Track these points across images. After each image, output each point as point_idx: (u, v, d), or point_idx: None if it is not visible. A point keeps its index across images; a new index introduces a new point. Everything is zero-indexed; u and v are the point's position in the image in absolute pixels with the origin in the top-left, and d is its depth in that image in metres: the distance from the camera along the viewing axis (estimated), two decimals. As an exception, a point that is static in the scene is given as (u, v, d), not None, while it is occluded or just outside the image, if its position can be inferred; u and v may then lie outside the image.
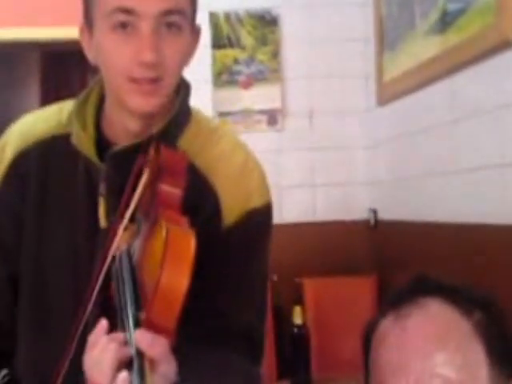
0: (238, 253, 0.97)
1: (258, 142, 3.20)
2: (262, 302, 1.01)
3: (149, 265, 0.80)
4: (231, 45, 3.20)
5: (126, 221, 0.86)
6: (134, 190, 0.88)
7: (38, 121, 1.07)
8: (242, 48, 3.21)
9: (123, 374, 0.71)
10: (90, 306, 0.84)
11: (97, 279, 0.84)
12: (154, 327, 0.75)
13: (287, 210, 3.20)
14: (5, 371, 0.85)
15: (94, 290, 0.84)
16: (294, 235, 3.09)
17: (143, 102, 0.93)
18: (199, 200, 0.96)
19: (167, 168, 0.89)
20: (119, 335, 0.76)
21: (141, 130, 0.97)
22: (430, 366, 0.76)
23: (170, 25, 0.93)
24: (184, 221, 0.83)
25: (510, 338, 0.82)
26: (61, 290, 0.95)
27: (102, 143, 1.00)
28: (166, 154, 0.91)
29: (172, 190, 0.87)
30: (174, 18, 0.93)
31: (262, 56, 3.21)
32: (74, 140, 1.00)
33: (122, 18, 0.92)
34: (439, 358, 0.77)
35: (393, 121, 2.91)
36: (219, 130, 1.07)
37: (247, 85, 3.20)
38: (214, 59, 3.18)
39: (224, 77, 3.20)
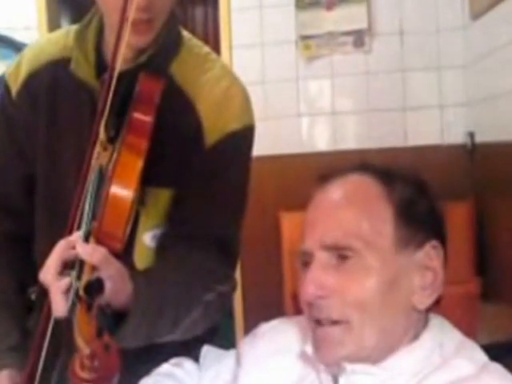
0: (217, 169, 1.08)
1: (344, 65, 3.10)
2: (236, 214, 1.13)
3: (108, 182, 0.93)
4: (314, -36, 3.04)
5: (98, 140, 0.96)
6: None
7: (48, 44, 1.18)
8: (325, -34, 3.04)
9: (66, 279, 0.84)
10: (77, 215, 0.95)
11: (80, 194, 0.95)
12: (103, 233, 0.90)
13: (376, 135, 3.08)
14: (33, 288, 0.93)
15: (79, 201, 0.94)
16: (384, 161, 2.97)
17: (136, 39, 1.00)
18: (185, 122, 1.08)
19: (141, 96, 0.98)
20: (72, 240, 0.88)
21: (134, 57, 1.06)
22: (333, 222, 0.85)
23: None
24: (144, 145, 0.93)
25: (428, 210, 0.88)
26: (70, 192, 1.05)
27: (102, 67, 1.07)
28: (142, 82, 1.00)
29: (141, 117, 0.96)
30: None
31: (345, -27, 3.04)
32: (73, 65, 1.10)
33: None
34: (343, 214, 0.85)
35: (487, 35, 2.71)
36: (209, 58, 1.15)
37: (331, 5, 3.04)
38: (296, -20, 3.04)
39: (307, -2, 3.06)
